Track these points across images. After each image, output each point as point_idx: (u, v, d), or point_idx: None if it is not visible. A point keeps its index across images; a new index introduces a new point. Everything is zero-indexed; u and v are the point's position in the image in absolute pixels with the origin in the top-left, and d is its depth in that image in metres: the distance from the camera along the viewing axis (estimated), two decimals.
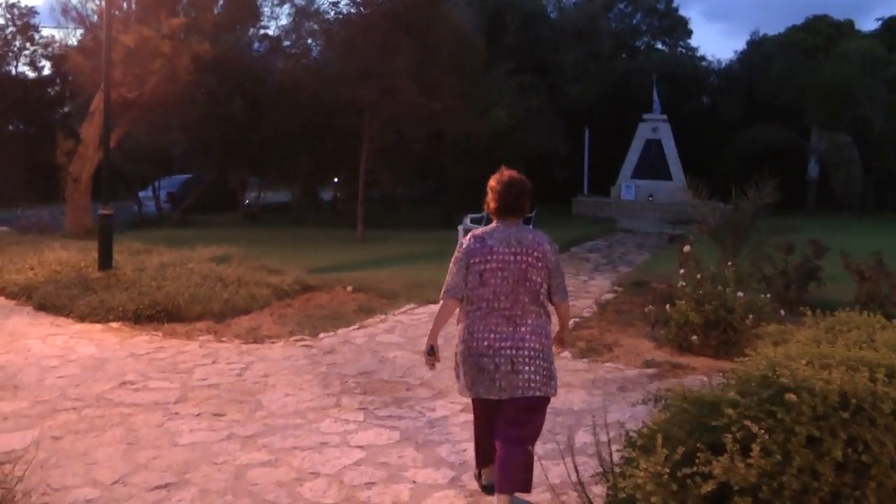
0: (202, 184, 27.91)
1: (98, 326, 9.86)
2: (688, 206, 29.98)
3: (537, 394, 4.71)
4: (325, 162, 24.30)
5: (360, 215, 20.23)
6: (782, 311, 9.62)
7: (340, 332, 9.83)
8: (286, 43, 24.95)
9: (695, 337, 8.97)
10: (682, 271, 11.53)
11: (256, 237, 19.24)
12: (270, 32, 25.21)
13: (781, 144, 33.34)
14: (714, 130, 36.23)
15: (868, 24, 65.89)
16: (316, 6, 23.96)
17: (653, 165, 32.40)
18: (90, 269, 12.47)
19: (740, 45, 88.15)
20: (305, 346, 9.06)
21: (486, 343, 4.69)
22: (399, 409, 6.86)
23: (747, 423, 3.43)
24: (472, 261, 4.72)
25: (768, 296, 9.47)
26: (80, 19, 19.33)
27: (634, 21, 47.40)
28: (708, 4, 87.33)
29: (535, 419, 4.86)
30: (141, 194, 28.68)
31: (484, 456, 5.07)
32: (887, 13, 68.38)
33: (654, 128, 32.80)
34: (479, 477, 5.21)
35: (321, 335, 9.59)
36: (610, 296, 12.86)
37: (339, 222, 23.70)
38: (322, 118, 22.67)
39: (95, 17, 18.44)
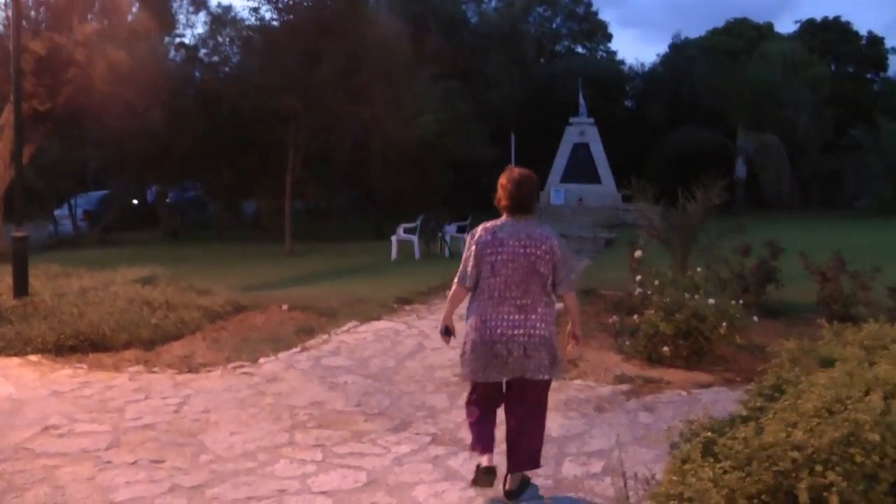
0: (120, 200, 26.69)
1: (15, 361, 8.94)
2: (618, 209, 30.39)
3: (546, 377, 5.09)
4: (247, 174, 23.42)
5: (289, 228, 19.48)
6: (755, 318, 9.23)
7: (282, 355, 9.12)
8: (203, 52, 24.01)
9: (666, 348, 8.51)
10: (638, 278, 11.16)
11: (181, 255, 18.36)
12: (187, 41, 24.25)
13: (708, 146, 33.60)
14: (640, 133, 36.36)
15: (786, 26, 67.10)
16: (233, 14, 23.17)
17: (581, 169, 32.25)
18: (4, 296, 11.45)
19: (653, 50, 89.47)
20: (246, 373, 8.35)
21: (499, 331, 4.96)
22: (360, 444, 6.21)
23: (819, 468, 2.88)
24: (484, 252, 5.01)
25: (741, 302, 9.02)
26: None
27: (554, 25, 47.38)
28: (622, 10, 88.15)
29: (542, 398, 5.22)
30: (56, 213, 27.23)
31: (484, 442, 5.16)
32: (803, 15, 69.75)
33: (582, 131, 32.70)
34: (477, 469, 5.17)
35: (261, 360, 8.88)
36: (561, 305, 12.35)
37: (265, 236, 22.88)
38: (244, 129, 21.84)
39: (1, 27, 17.35)
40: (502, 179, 5.18)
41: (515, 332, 4.97)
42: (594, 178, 32.21)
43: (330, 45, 17.58)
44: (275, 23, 19.05)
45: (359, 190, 27.63)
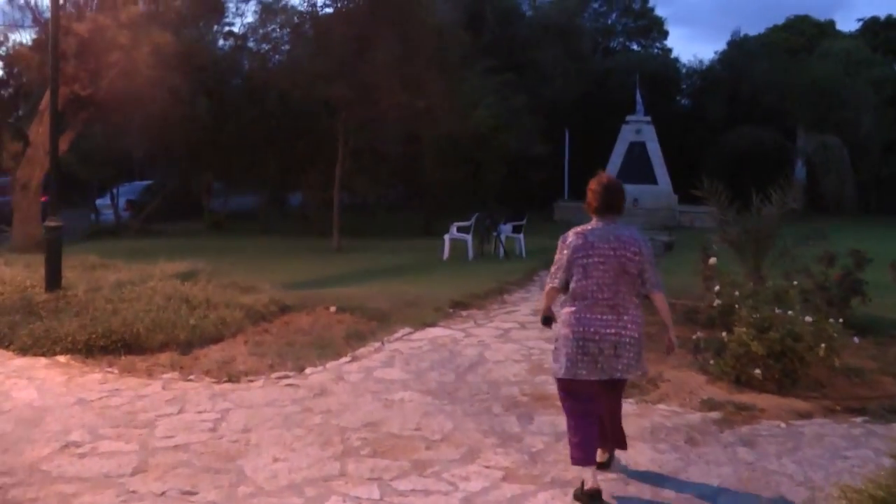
0: (164, 190, 26.07)
1: (42, 361, 8.27)
2: (674, 211, 29.32)
3: (630, 376, 5.47)
4: (294, 166, 22.67)
5: (336, 223, 18.70)
6: (856, 339, 8.27)
7: (330, 365, 8.32)
8: (252, 41, 23.31)
9: (758, 371, 7.57)
10: (717, 288, 10.27)
11: (223, 247, 17.65)
12: (235, 30, 23.55)
13: (767, 146, 32.41)
14: (697, 132, 35.19)
15: (848, 24, 65.38)
16: (284, 2, 22.46)
17: (637, 169, 31.17)
18: (37, 289, 10.76)
19: (707, 49, 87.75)
20: (291, 385, 7.55)
21: (592, 329, 5.13)
22: (422, 478, 5.37)
23: None
24: (575, 255, 5.19)
25: (840, 321, 8.06)
26: (34, 15, 17.54)
27: (609, 21, 46.26)
28: (673, 8, 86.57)
29: (623, 392, 5.73)
30: (98, 202, 26.73)
31: (589, 452, 5.16)
32: (861, 14, 67.90)
33: (638, 129, 31.64)
34: (582, 486, 5.10)
35: (308, 370, 8.09)
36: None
37: (311, 230, 22.13)
38: (292, 119, 21.11)
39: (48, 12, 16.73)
40: (592, 184, 5.39)
41: (608, 331, 5.15)
42: (650, 179, 31.13)
43: (384, 32, 16.77)
44: (328, 9, 18.31)
45: (408, 184, 26.79)
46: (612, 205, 5.30)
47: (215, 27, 22.60)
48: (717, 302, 10.06)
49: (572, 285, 5.22)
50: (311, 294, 12.04)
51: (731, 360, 7.83)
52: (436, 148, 22.97)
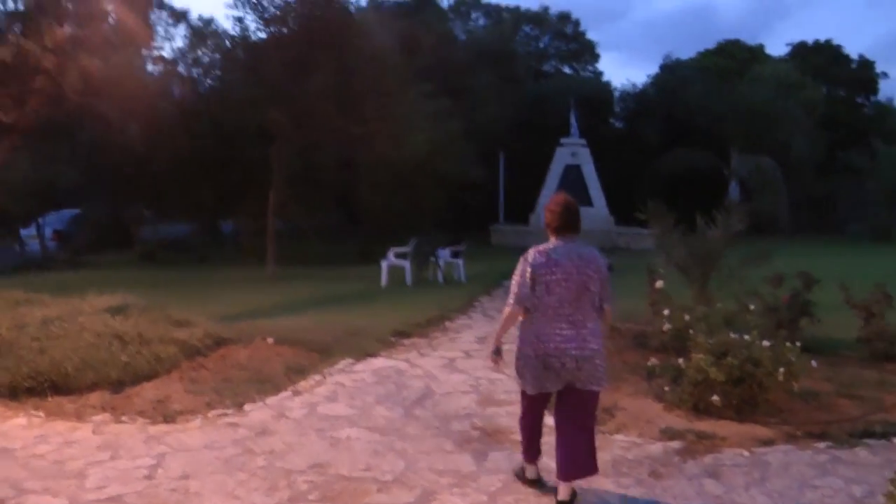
0: (93, 219, 25.26)
1: None
2: (611, 233, 29.38)
3: (595, 388, 5.43)
4: (228, 193, 22.15)
5: (271, 252, 18.27)
6: (814, 362, 8.15)
7: (271, 401, 7.96)
8: (182, 66, 22.82)
9: (716, 397, 7.40)
10: (666, 312, 10.14)
11: (156, 279, 17.13)
12: (165, 55, 23.03)
13: (702, 168, 32.73)
14: (632, 154, 35.46)
15: (777, 48, 66.59)
16: (215, 26, 22.05)
17: (573, 191, 30.58)
18: None
19: (636, 73, 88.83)
20: (230, 424, 7.18)
21: (552, 345, 5.30)
22: None
23: None
24: (538, 273, 5.30)
25: (799, 344, 7.92)
26: None
27: (542, 45, 46.50)
28: (603, 34, 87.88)
29: (591, 408, 5.55)
30: (23, 232, 25.83)
31: (532, 452, 5.75)
32: (786, 38, 69.31)
33: (574, 152, 31.72)
34: (523, 473, 5.81)
35: (247, 407, 7.72)
36: None
37: (245, 259, 21.64)
38: (225, 146, 20.66)
39: None
40: (550, 205, 5.55)
41: (568, 345, 5.30)
42: (586, 201, 31.11)
43: (319, 58, 16.47)
44: (261, 33, 17.95)
45: (343, 211, 26.40)
46: (570, 224, 5.46)
47: (144, 52, 22.05)
48: (667, 326, 9.93)
49: (534, 301, 5.34)
50: (248, 326, 11.65)
51: (688, 387, 7.67)
52: (372, 173, 22.67)
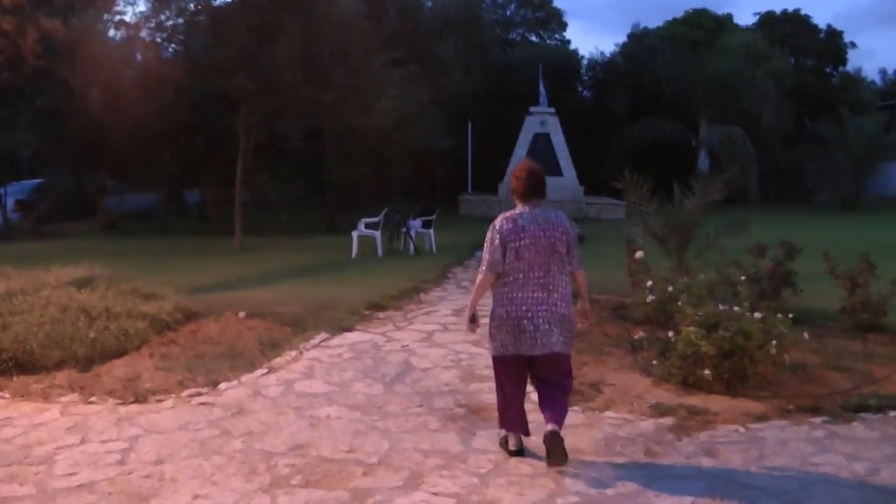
0: (56, 188, 24.62)
1: None
2: (581, 203, 29.23)
3: (564, 351, 5.62)
4: (193, 162, 21.63)
5: (238, 222, 17.88)
6: (805, 334, 7.99)
7: (245, 378, 7.66)
8: (145, 31, 22.17)
9: (707, 371, 7.22)
10: (649, 283, 9.98)
11: (121, 250, 16.71)
12: (127, 19, 22.36)
13: (671, 138, 32.66)
14: (600, 124, 35.31)
15: (745, 18, 66.47)
16: None
17: (542, 161, 30.46)
18: None
19: (602, 42, 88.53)
20: (204, 403, 6.89)
21: (524, 308, 5.45)
22: None
23: None
24: (507, 239, 5.44)
25: (791, 316, 7.75)
26: None
27: (508, 12, 46.04)
28: (568, 2, 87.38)
29: (565, 368, 5.73)
30: None
31: (515, 422, 5.74)
32: (760, 7, 69.06)
33: (543, 121, 31.45)
34: (506, 442, 5.77)
35: (222, 385, 7.42)
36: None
37: (211, 229, 21.25)
38: (190, 113, 20.16)
39: None
40: (516, 171, 5.70)
41: (539, 308, 5.46)
42: (555, 171, 30.93)
43: (286, 23, 16.04)
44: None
45: (310, 180, 25.99)
46: (536, 189, 5.60)
47: (105, 16, 21.42)
48: (650, 298, 9.76)
49: (505, 267, 5.48)
50: (218, 298, 11.37)
51: (677, 361, 7.48)
52: (339, 143, 22.30)
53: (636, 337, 8.58)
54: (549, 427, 5.38)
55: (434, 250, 17.97)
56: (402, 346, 9.08)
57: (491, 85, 35.24)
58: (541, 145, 31.39)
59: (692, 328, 7.41)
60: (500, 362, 5.71)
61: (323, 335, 9.49)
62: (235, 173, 18.31)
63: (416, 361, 8.40)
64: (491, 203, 30.31)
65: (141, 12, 21.50)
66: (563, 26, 46.93)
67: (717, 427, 6.34)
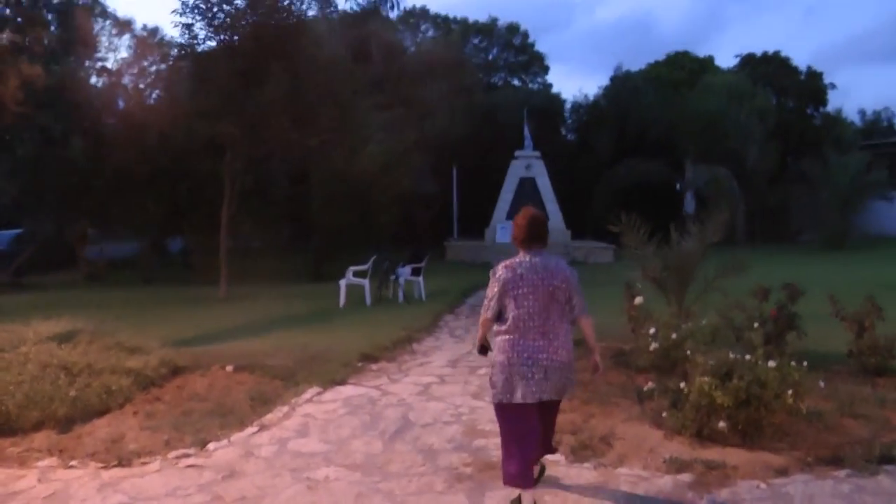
0: (36, 238, 24.10)
1: None
2: (568, 246, 28.93)
3: (559, 398, 5.76)
4: (177, 209, 21.22)
5: (224, 270, 17.46)
6: (821, 383, 7.66)
7: (236, 437, 7.25)
8: (127, 78, 21.91)
9: (722, 423, 6.86)
10: (652, 330, 9.64)
11: (103, 301, 16.24)
12: (109, 65, 22.08)
13: (655, 179, 32.49)
14: (585, 166, 35.15)
15: (725, 60, 66.84)
16: (161, 36, 21.19)
17: (528, 205, 30.61)
18: None
19: (585, 86, 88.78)
20: (193, 466, 6.48)
21: (525, 355, 5.47)
22: None
23: None
24: (506, 288, 5.52)
25: (805, 364, 7.41)
26: None
27: (490, 56, 46.12)
28: (548, 46, 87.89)
29: (556, 412, 6.08)
30: None
31: (527, 475, 5.50)
32: (734, 50, 69.50)
33: (528, 165, 31.24)
34: (519, 502, 5.51)
35: (211, 445, 7.01)
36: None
37: (195, 278, 20.78)
38: (173, 160, 19.82)
39: None
40: (517, 219, 5.76)
41: (540, 356, 5.49)
42: None
43: (271, 67, 15.75)
44: (210, 42, 17.11)
45: (295, 227, 25.58)
46: (537, 236, 5.66)
47: (87, 62, 21.13)
48: (654, 346, 9.41)
49: (506, 315, 5.56)
50: (204, 351, 10.97)
51: (690, 412, 7.11)
52: (324, 187, 21.98)
53: (645, 388, 8.19)
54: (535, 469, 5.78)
55: (423, 298, 17.59)
56: (399, 401, 8.69)
57: (475, 129, 35.04)
58: (527, 189, 31.17)
59: (706, 378, 7.06)
60: (500, 410, 5.64)
61: (315, 389, 9.09)
62: (220, 220, 17.92)
63: (415, 416, 8.01)
64: (478, 248, 30.01)
65: (123, 58, 21.29)
66: (545, 70, 47.09)
67: (737, 483, 5.98)
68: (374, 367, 10.57)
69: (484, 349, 5.85)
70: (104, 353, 9.57)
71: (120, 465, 6.50)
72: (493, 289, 5.62)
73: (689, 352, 8.06)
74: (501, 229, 30.59)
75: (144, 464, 6.53)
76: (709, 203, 31.25)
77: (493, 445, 6.89)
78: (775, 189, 34.91)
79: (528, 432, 5.54)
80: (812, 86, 41.36)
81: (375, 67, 26.57)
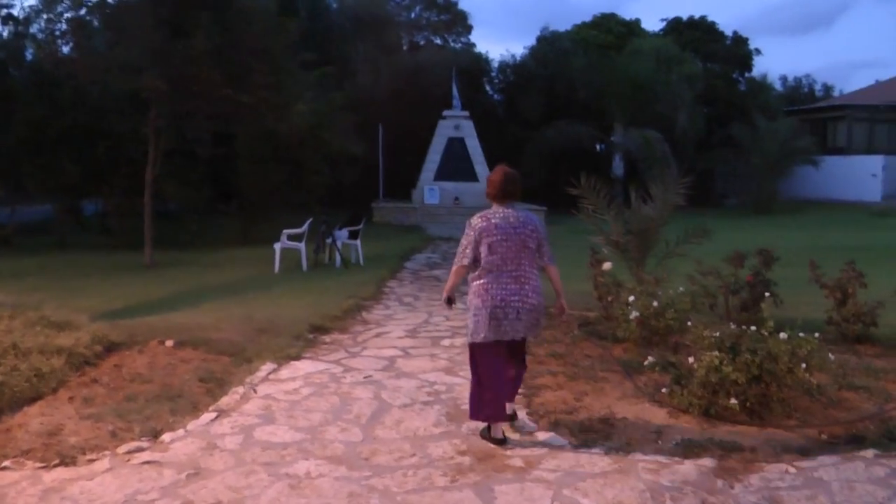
0: None
1: None
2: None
3: (532, 337, 6.44)
4: (95, 170, 19.75)
5: (148, 235, 16.28)
6: (831, 355, 7.12)
7: (192, 426, 6.37)
8: (36, 27, 20.26)
9: (734, 401, 6.32)
10: (631, 298, 9.07)
11: (18, 269, 14.93)
12: (15, 13, 20.42)
13: (585, 142, 32.08)
14: (513, 128, 34.36)
15: (651, 24, 66.67)
16: None
17: (457, 166, 29.95)
18: None
19: (510, 47, 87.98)
20: (150, 462, 5.58)
21: (499, 297, 5.96)
22: None
23: None
24: (482, 236, 6.01)
25: (818, 335, 6.85)
26: None
27: (413, 15, 44.99)
28: (471, 4, 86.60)
29: (524, 349, 6.48)
30: None
31: (499, 409, 6.01)
32: (665, 14, 69.56)
33: (457, 125, 30.35)
34: (488, 432, 6.06)
35: (165, 436, 6.12)
36: None
37: (115, 243, 19.50)
38: (91, 116, 18.45)
39: None
40: (491, 176, 6.23)
41: (512, 298, 5.95)
42: (471, 176, 29.93)
43: (201, 15, 14.57)
44: None
45: (220, 188, 24.31)
46: (510, 192, 6.11)
47: None
48: (634, 314, 8.79)
49: (481, 261, 6.00)
50: (139, 324, 10.01)
51: (698, 389, 6.51)
52: (251, 148, 20.83)
53: (647, 362, 7.54)
54: (509, 409, 6.23)
55: (361, 262, 16.75)
56: (366, 377, 7.90)
57: (400, 88, 34.00)
58: (456, 150, 30.34)
59: (716, 353, 6.47)
60: (476, 349, 6.11)
61: (269, 366, 8.26)
62: (142, 181, 16.70)
63: (389, 396, 7.24)
64: (406, 210, 29.18)
65: (31, 6, 19.73)
66: (469, 29, 46.12)
67: (762, 468, 5.45)
68: (327, 339, 9.80)
69: (450, 301, 6.31)
70: (29, 331, 8.58)
71: (63, 464, 5.57)
72: (468, 237, 6.05)
73: (689, 323, 7.41)
74: (430, 191, 29.80)
75: (91, 461, 5.62)
76: (639, 167, 31.00)
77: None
78: (703, 154, 34.85)
79: (501, 369, 6.09)
80: (738, 51, 41.41)
81: (301, 23, 25.27)
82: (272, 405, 6.95)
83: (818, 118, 40.49)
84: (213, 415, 6.64)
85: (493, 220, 5.99)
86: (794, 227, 27.37)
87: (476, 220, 6.06)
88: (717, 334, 6.79)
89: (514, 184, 6.13)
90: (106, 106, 17.77)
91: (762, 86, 41.03)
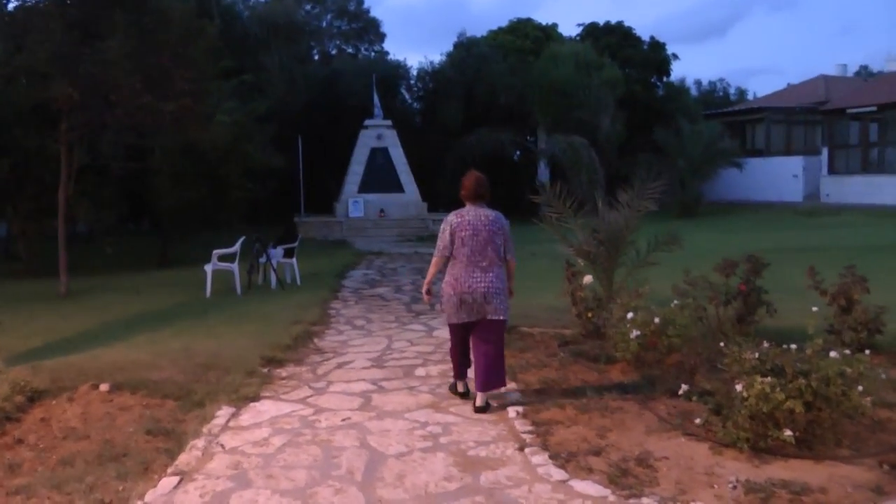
0: None
1: None
2: (425, 220, 27.30)
3: (500, 318, 7.00)
4: None
5: (63, 262, 14.73)
6: (882, 374, 6.28)
7: (152, 497, 5.15)
8: None
9: (788, 433, 5.45)
10: (630, 315, 8.20)
11: None
12: None
13: (508, 149, 31.46)
14: (433, 136, 33.39)
15: (567, 29, 66.60)
16: None
17: (381, 177, 28.96)
18: None
19: (425, 55, 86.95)
20: None
21: (467, 285, 6.88)
22: None
23: None
24: (456, 231, 6.94)
25: (868, 352, 6.03)
26: None
27: (324, 24, 43.69)
28: (381, 11, 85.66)
29: (499, 334, 7.09)
30: None
31: (461, 370, 7.41)
32: (580, 19, 69.37)
33: (379, 135, 29.32)
34: (455, 387, 7.46)
35: None
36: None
37: (23, 270, 17.91)
38: None
39: None
40: (464, 181, 7.13)
41: (478, 285, 6.89)
42: (396, 187, 28.95)
43: (115, 16, 13.19)
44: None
45: (135, 207, 22.73)
46: (480, 194, 7.02)
47: None
48: (635, 333, 7.85)
49: (454, 253, 6.93)
50: (63, 366, 8.73)
51: (746, 420, 5.59)
52: (170, 162, 19.36)
53: (681, 392, 6.55)
54: (477, 401, 6.94)
55: (299, 282, 15.57)
56: (343, 420, 6.77)
57: (317, 99, 32.81)
58: (379, 160, 29.30)
59: (768, 378, 5.57)
60: (452, 328, 7.25)
61: (226, 410, 7.08)
62: (50, 201, 15.19)
63: (379, 444, 6.13)
64: (331, 225, 28.05)
65: None
66: (381, 38, 45.05)
67: None
68: (283, 373, 8.64)
69: (429, 292, 7.24)
70: None
71: None
72: (445, 232, 6.99)
73: (722, 344, 6.47)
74: (354, 204, 28.68)
75: None
76: (566, 172, 30.32)
77: (504, 479, 5.24)
78: (626, 158, 34.47)
79: (465, 342, 7.22)
80: (655, 56, 41.21)
81: (216, 29, 23.92)
82: (242, 462, 5.78)
83: (737, 121, 40.67)
84: (175, 479, 5.43)
85: (466, 217, 6.95)
86: (725, 229, 27.05)
87: (452, 217, 7.02)
88: (757, 355, 5.88)
89: (484, 187, 7.07)
90: (9, 119, 16.13)
91: (681, 90, 41.07)
